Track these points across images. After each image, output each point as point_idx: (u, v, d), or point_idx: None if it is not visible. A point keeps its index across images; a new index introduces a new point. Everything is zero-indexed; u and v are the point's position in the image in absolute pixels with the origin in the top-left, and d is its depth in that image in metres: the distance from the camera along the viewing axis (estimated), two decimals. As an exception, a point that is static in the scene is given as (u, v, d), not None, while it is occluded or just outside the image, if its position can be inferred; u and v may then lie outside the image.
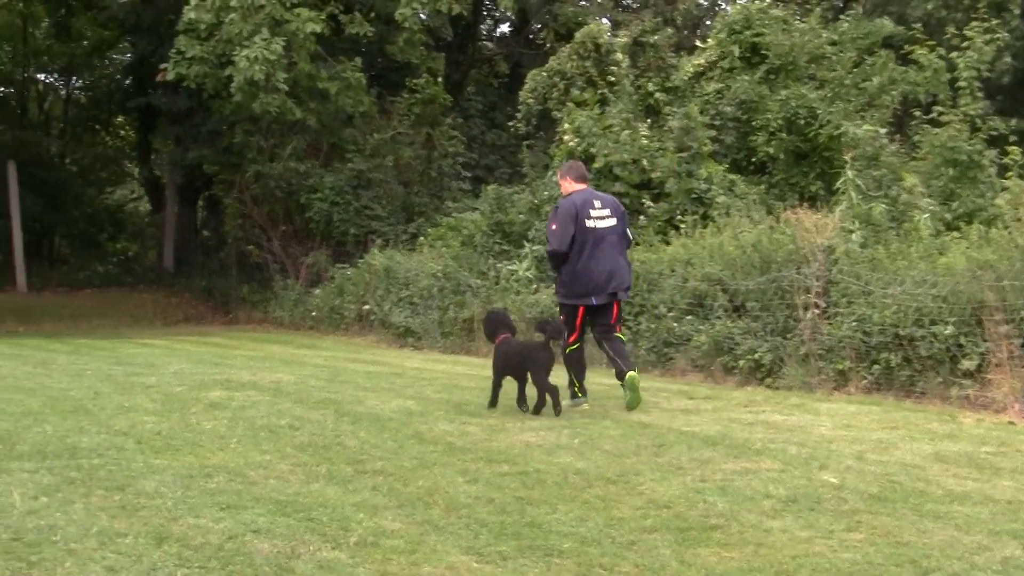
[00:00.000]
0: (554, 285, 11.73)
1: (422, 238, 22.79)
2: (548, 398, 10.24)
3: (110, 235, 38.52)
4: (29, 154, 33.90)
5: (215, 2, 23.40)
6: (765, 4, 22.25)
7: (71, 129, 41.08)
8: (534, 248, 18.48)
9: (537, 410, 10.24)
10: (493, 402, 10.70)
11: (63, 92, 42.16)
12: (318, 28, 24.01)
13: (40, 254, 34.13)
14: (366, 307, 21.78)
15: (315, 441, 8.92)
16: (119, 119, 41.46)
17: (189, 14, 23.66)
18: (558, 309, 11.54)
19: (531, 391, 10.38)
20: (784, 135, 19.61)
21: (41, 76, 41.76)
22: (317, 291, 24.05)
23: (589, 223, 10.71)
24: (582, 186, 11.13)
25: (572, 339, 10.94)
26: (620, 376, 10.80)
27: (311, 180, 25.45)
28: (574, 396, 10.94)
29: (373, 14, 27.13)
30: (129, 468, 7.75)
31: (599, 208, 10.87)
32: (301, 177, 25.49)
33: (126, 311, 27.72)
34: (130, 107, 35.31)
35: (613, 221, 10.89)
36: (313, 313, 23.55)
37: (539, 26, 31.97)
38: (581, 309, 10.87)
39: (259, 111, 23.87)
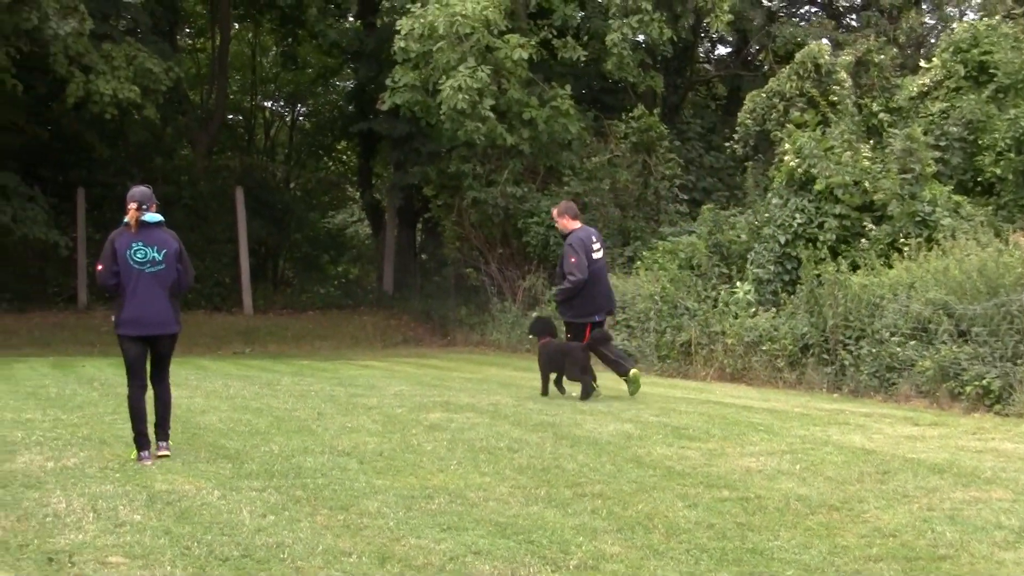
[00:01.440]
0: (560, 308, 13.74)
1: (639, 261, 22.75)
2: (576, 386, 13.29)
3: (331, 258, 39.58)
4: (256, 179, 35.19)
5: (424, 31, 23.93)
6: (994, 21, 21.54)
7: (295, 155, 42.47)
8: (755, 271, 18.26)
9: (586, 396, 13.12)
10: (545, 391, 13.64)
11: (288, 119, 43.65)
12: (526, 55, 24.29)
13: (265, 277, 35.29)
14: (584, 330, 21.81)
15: (534, 463, 8.99)
16: (341, 144, 42.64)
17: (399, 43, 24.29)
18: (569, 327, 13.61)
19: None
20: (1012, 155, 18.94)
21: (268, 104, 43.35)
22: (534, 314, 24.23)
23: (594, 255, 13.25)
24: (577, 224, 13.54)
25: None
26: (624, 373, 13.45)
27: (528, 204, 25.69)
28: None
29: (587, 36, 27.29)
30: (352, 488, 7.95)
31: (595, 241, 13.42)
32: (518, 201, 25.75)
33: (347, 333, 28.44)
34: (352, 132, 36.31)
35: (602, 251, 13.54)
36: (530, 336, 23.70)
37: (757, 47, 31.65)
38: (589, 326, 13.31)
39: (466, 138, 24.29)
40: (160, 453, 9.27)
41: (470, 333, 26.46)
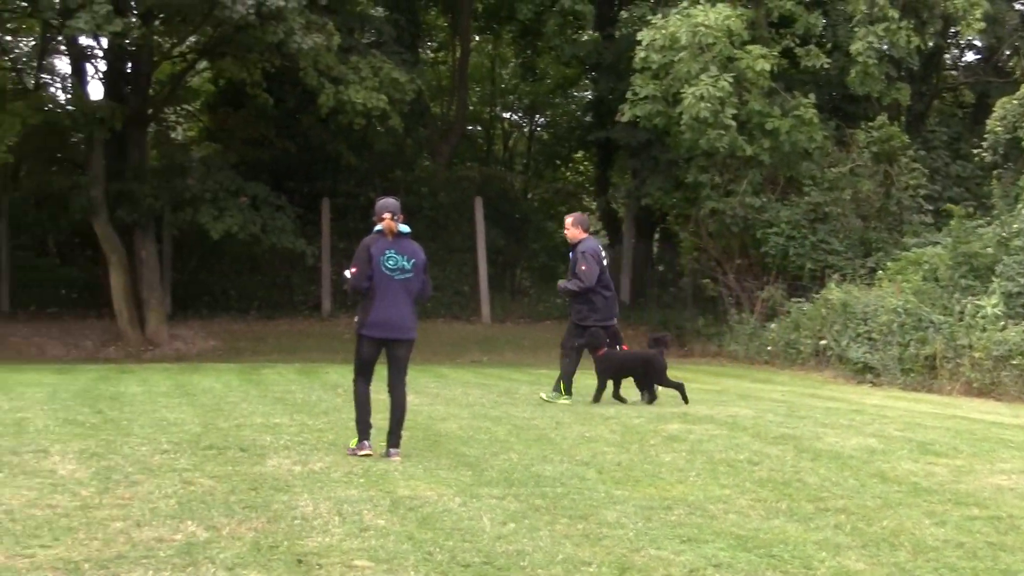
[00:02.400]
0: (581, 313, 14.29)
1: (881, 272, 22.18)
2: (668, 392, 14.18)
3: (568, 268, 39.83)
4: (494, 190, 35.64)
5: (665, 42, 23.88)
6: None
7: (533, 165, 42.90)
8: (1003, 284, 17.58)
9: (651, 401, 14.00)
10: (604, 396, 14.13)
11: (526, 130, 44.13)
12: (768, 65, 23.97)
13: (503, 286, 35.67)
14: (823, 342, 21.42)
15: (774, 477, 8.85)
16: (578, 154, 42.86)
17: (640, 53, 24.35)
18: (586, 330, 14.17)
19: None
20: None
21: (507, 115, 43.92)
22: (772, 325, 23.89)
23: (604, 263, 14.32)
24: (586, 235, 14.51)
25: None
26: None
27: (767, 214, 25.33)
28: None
29: (830, 45, 26.74)
30: (591, 498, 7.97)
31: (603, 251, 14.56)
32: (756, 211, 25.41)
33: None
34: (589, 142, 36.47)
35: (607, 262, 14.55)
36: (768, 348, 23.40)
37: (1008, 52, 30.42)
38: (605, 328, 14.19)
39: (707, 148, 24.12)
40: (393, 458, 9.57)
41: (707, 344, 26.25)
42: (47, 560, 6.21)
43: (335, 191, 32.01)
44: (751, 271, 25.99)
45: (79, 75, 28.62)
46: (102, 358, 24.86)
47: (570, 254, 14.73)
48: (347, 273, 10.04)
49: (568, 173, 44.30)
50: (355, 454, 9.68)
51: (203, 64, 31.02)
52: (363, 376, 9.93)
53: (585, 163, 43.38)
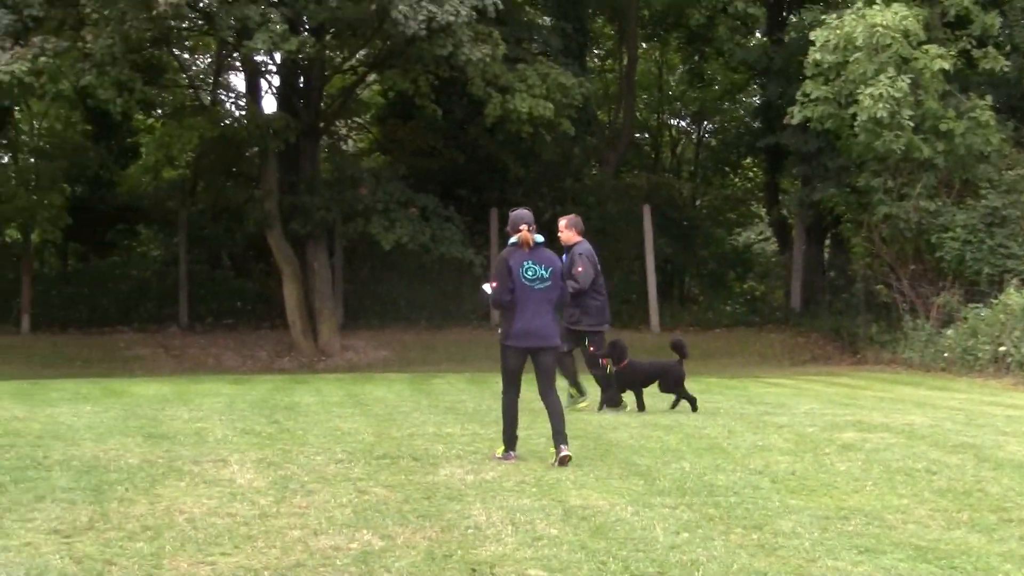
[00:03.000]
0: (575, 316, 13.99)
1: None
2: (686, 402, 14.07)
3: (738, 275, 39.38)
4: (662, 197, 35.46)
5: (840, 43, 23.50)
6: None
7: (701, 172, 42.58)
8: None
9: (674, 406, 14.10)
10: (641, 406, 13.97)
11: (694, 136, 43.83)
12: (946, 65, 23.39)
13: (671, 294, 35.49)
14: (1002, 348, 20.81)
15: (954, 486, 8.63)
16: (747, 160, 42.42)
17: (814, 55, 23.99)
18: (586, 337, 14.12)
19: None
20: None
21: (674, 122, 43.70)
22: (949, 331, 23.28)
23: (599, 268, 14.13)
24: (580, 238, 14.24)
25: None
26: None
27: (941, 219, 24.68)
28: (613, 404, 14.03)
29: (1008, 46, 25.98)
30: (765, 507, 7.88)
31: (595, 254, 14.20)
32: (931, 216, 24.79)
33: (754, 350, 28.23)
34: (758, 148, 36.06)
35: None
36: (944, 354, 22.80)
37: None
38: (588, 334, 14.08)
39: (883, 150, 23.63)
40: (563, 453, 9.71)
41: (881, 351, 25.71)
42: (228, 568, 6.39)
43: (503, 201, 32.20)
44: (925, 276, 25.35)
45: (253, 90, 29.38)
46: (276, 368, 25.46)
47: (563, 257, 14.36)
48: (487, 288, 10.24)
49: (736, 179, 43.86)
50: (502, 461, 9.89)
51: (373, 77, 31.52)
52: (513, 386, 10.14)
53: (754, 169, 42.90)
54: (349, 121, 35.76)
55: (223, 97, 33.46)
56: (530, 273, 9.98)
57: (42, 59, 21.80)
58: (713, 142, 43.27)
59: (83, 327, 29.89)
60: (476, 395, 16.36)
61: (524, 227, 10.08)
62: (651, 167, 41.12)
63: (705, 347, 28.16)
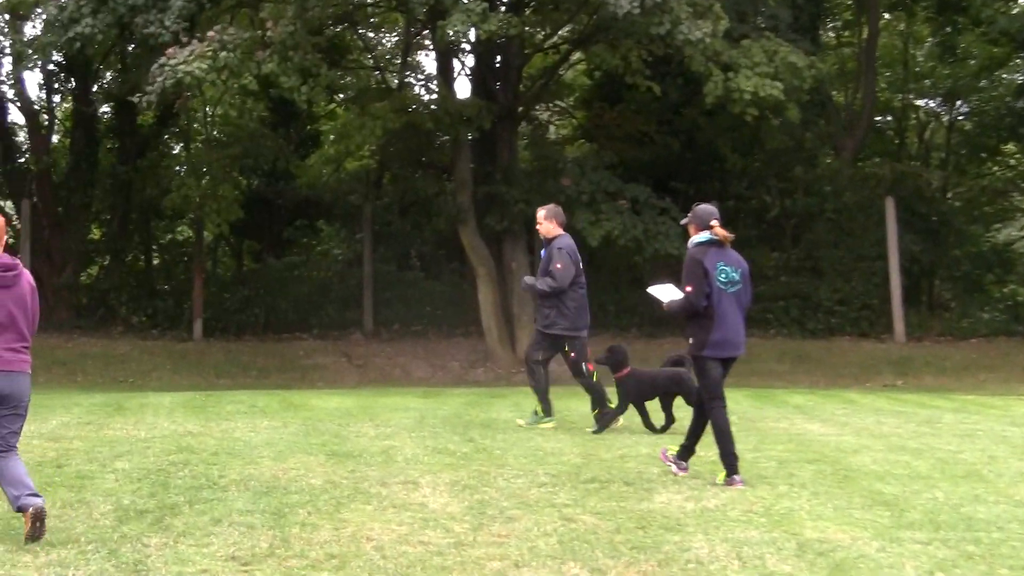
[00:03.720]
0: (548, 318, 14.00)
1: None
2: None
3: (997, 278, 38.25)
4: (907, 189, 34.67)
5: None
6: None
7: (953, 159, 41.47)
8: None
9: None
10: (651, 425, 13.63)
11: (945, 119, 42.72)
12: None
13: (919, 299, 34.66)
14: None
15: None
16: (1008, 146, 41.15)
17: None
18: (559, 342, 14.10)
19: None
20: None
21: (921, 102, 42.64)
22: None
23: (580, 265, 14.02)
24: (561, 230, 14.09)
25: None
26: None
27: None
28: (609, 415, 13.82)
29: None
30: (1035, 545, 7.63)
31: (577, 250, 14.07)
32: None
33: (1017, 364, 27.35)
34: (1022, 132, 34.97)
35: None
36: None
37: None
38: (565, 339, 14.03)
39: None
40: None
41: None
42: (420, 601, 6.46)
43: (724, 193, 31.95)
44: None
45: (445, 72, 29.67)
46: (470, 380, 25.70)
47: (542, 252, 14.39)
48: (659, 291, 10.29)
49: (995, 168, 42.58)
50: (726, 487, 9.80)
51: (577, 55, 31.57)
52: (720, 400, 10.12)
53: (1016, 156, 41.59)
54: (550, 105, 35.95)
55: (412, 80, 33.93)
56: (723, 276, 10.03)
57: (223, 54, 22.34)
58: (967, 125, 42.08)
59: (259, 333, 30.72)
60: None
61: (717, 223, 10.15)
62: (895, 154, 40.21)
63: (959, 360, 27.48)
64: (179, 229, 36.61)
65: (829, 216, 32.15)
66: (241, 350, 28.58)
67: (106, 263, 34.75)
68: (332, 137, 34.58)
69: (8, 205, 35.24)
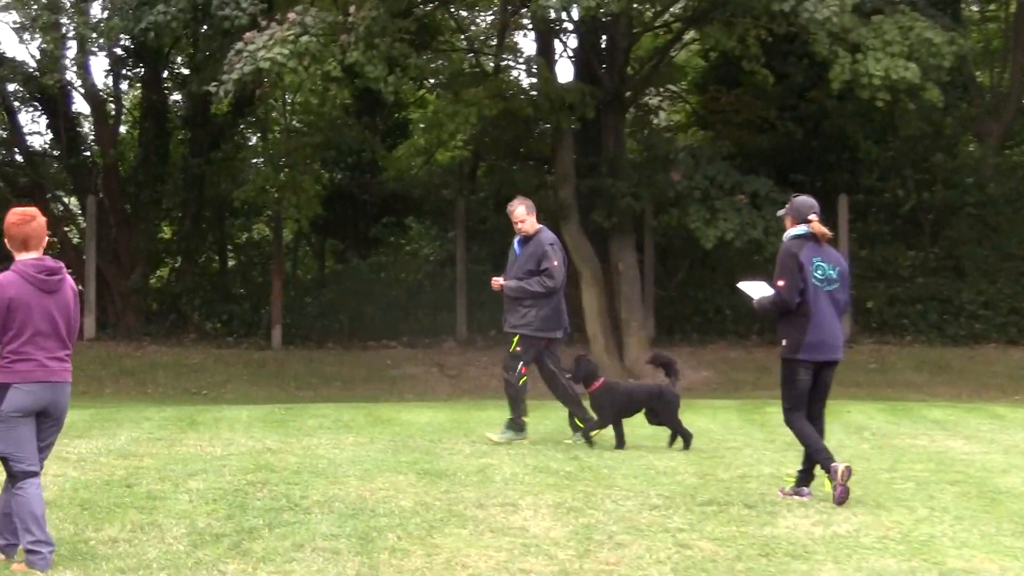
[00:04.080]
0: (516, 317, 14.15)
1: None
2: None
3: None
4: (1063, 179, 34.17)
5: None
6: None
7: None
8: None
9: (671, 443, 13.54)
10: (621, 443, 13.47)
11: None
12: None
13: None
14: None
15: None
16: None
17: None
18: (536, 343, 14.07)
19: None
20: None
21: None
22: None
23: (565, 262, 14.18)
24: (540, 224, 14.40)
25: (526, 371, 14.07)
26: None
27: None
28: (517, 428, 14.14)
29: None
30: None
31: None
32: None
33: None
34: None
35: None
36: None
37: None
38: (544, 342, 14.05)
39: None
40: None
41: None
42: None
43: (854, 185, 31.64)
44: None
45: (545, 54, 29.60)
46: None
47: (516, 248, 14.50)
48: (749, 287, 10.22)
49: None
50: (845, 494, 9.91)
51: (691, 35, 31.42)
52: (800, 410, 10.27)
53: None
54: (661, 89, 35.80)
55: (509, 63, 33.90)
56: (819, 273, 10.14)
57: (304, 39, 22.44)
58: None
59: (343, 341, 30.81)
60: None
61: (815, 217, 10.28)
62: (1047, 140, 39.65)
63: None
64: (256, 227, 36.80)
65: (972, 210, 31.70)
66: (323, 359, 28.74)
67: (177, 264, 34.95)
68: (422, 126, 34.64)
69: (72, 202, 35.71)
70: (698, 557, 8.09)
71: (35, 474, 8.01)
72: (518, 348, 14.23)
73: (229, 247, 36.66)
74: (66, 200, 35.82)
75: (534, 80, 30.48)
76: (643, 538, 8.64)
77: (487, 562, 7.94)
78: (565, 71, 34.40)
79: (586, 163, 28.83)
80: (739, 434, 15.19)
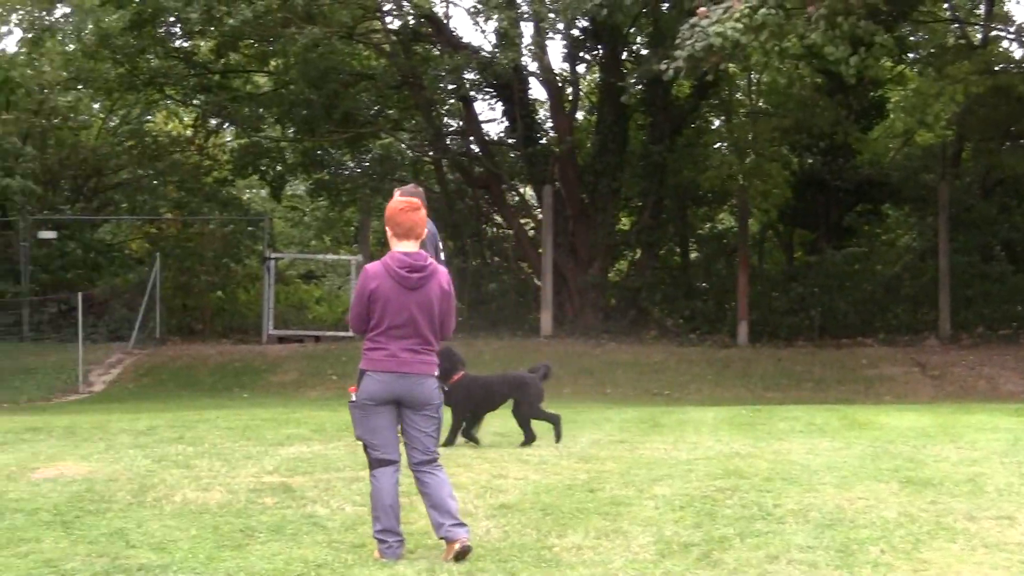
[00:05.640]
0: None
1: None
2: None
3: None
4: None
5: None
6: None
7: None
8: None
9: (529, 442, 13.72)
10: (452, 440, 13.51)
11: None
12: None
13: None
14: None
15: None
16: None
17: None
18: None
19: None
20: None
21: None
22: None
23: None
24: None
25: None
26: None
27: None
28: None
29: None
30: None
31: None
32: None
33: None
34: None
35: None
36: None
37: None
38: None
39: None
40: None
41: None
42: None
43: None
44: None
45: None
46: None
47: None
48: None
49: None
50: None
51: None
52: None
53: None
54: None
55: (999, 32, 32.75)
56: None
57: (762, 11, 22.14)
58: None
59: (814, 338, 30.64)
60: None
61: None
62: None
63: None
64: (719, 217, 36.92)
65: None
66: (793, 358, 28.58)
67: (637, 257, 35.35)
68: (902, 106, 33.98)
69: (528, 192, 36.57)
70: None
71: (390, 463, 8.47)
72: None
73: (691, 239, 36.84)
74: (521, 190, 36.68)
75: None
76: None
77: (976, 578, 7.70)
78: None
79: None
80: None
